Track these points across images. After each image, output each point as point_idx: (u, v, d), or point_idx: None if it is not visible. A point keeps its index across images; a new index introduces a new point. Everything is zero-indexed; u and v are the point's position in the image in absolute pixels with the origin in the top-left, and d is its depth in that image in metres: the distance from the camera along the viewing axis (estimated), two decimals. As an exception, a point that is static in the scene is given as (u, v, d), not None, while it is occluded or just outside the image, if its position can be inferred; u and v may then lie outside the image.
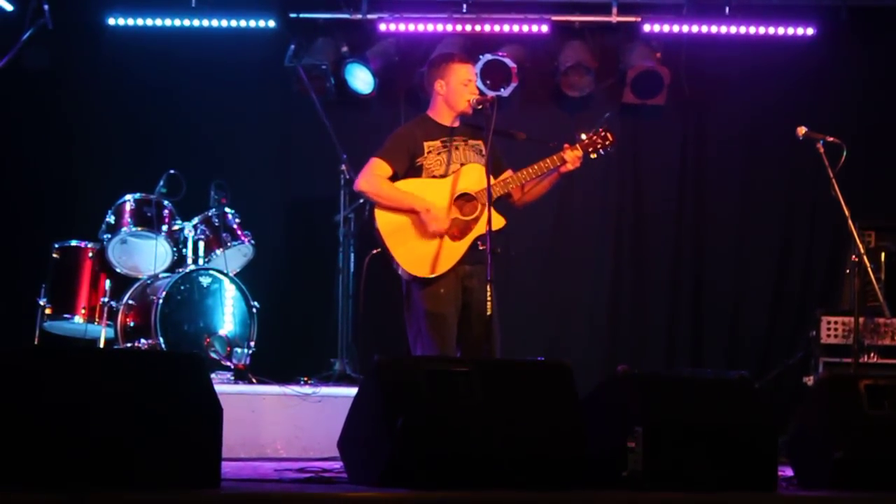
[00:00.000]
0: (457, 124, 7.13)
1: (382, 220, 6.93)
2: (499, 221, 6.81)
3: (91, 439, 4.58)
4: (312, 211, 9.66)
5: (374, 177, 6.98)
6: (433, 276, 6.86)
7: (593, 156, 7.04)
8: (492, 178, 6.79)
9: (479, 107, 6.93)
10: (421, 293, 6.91)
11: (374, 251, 7.14)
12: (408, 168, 7.00)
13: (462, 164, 7.01)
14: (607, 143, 7.04)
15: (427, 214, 6.85)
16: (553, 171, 6.99)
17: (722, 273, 10.05)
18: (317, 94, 9.05)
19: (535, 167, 6.94)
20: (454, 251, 6.89)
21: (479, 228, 6.86)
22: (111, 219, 8.55)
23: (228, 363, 8.17)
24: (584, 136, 7.03)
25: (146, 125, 9.76)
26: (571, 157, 6.95)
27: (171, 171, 8.60)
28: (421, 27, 9.84)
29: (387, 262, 6.95)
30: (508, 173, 6.99)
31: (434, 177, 6.98)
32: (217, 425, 4.92)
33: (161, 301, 8.13)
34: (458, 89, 7.04)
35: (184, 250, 8.58)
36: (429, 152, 7.01)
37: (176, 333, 8.20)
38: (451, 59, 7.20)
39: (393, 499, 4.67)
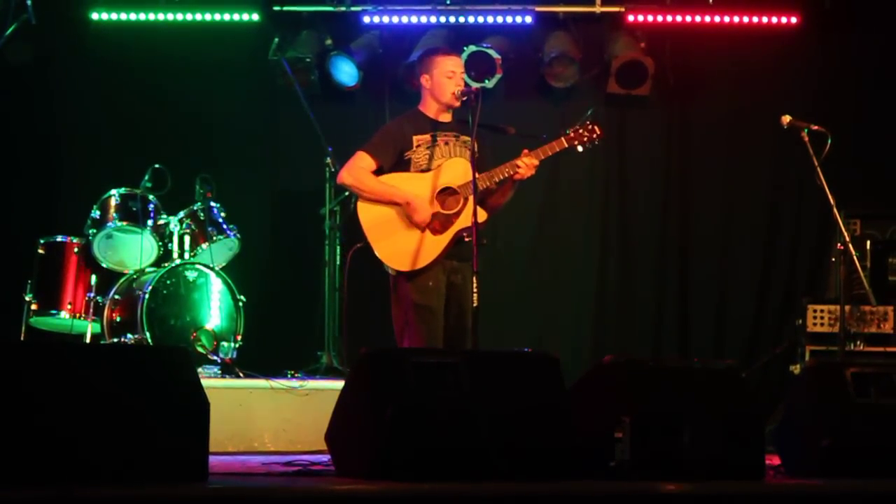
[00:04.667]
0: (448, 119, 7.15)
1: (365, 213, 6.99)
2: (481, 215, 6.78)
3: (78, 434, 4.57)
4: (298, 204, 9.64)
5: (357, 169, 7.04)
6: (414, 269, 6.88)
7: (580, 149, 7.05)
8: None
9: (464, 98, 6.94)
10: (409, 285, 6.95)
11: (358, 245, 7.16)
12: (395, 162, 7.05)
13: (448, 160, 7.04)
14: (594, 135, 7.04)
15: (408, 207, 6.90)
16: (508, 179, 6.99)
17: (708, 262, 10.06)
18: (301, 86, 9.06)
19: (494, 171, 6.95)
20: (435, 245, 6.91)
21: (461, 223, 6.91)
22: (96, 213, 8.53)
23: (215, 357, 8.16)
24: (569, 131, 7.03)
25: (131, 119, 9.73)
26: (524, 164, 6.94)
27: (156, 166, 8.58)
28: (405, 19, 9.83)
29: (372, 255, 6.97)
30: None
31: (420, 171, 7.00)
32: (204, 419, 4.92)
33: (147, 296, 8.12)
34: (442, 81, 7.06)
35: (169, 245, 8.56)
36: (417, 146, 7.05)
37: (162, 328, 8.18)
38: (435, 53, 7.26)
39: (381, 491, 4.67)
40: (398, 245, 6.91)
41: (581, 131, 7.02)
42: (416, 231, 6.91)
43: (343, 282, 8.54)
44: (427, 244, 6.91)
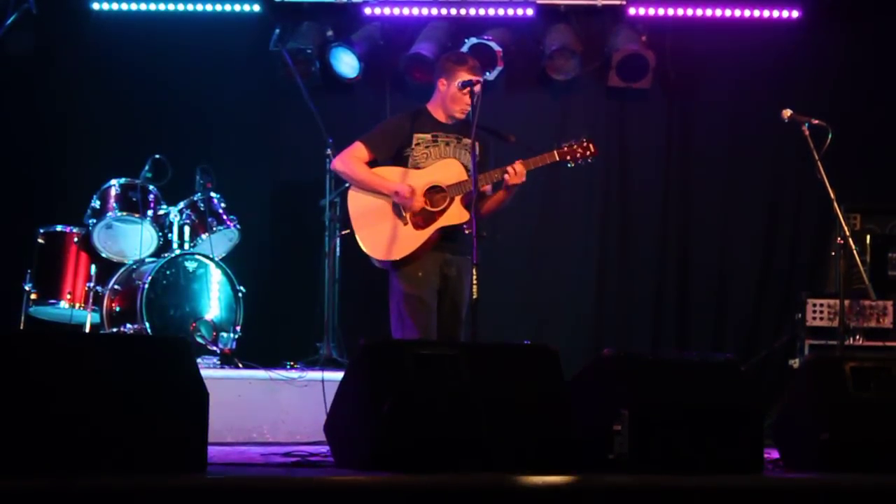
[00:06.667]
0: (451, 121, 7.16)
1: (353, 202, 7.11)
2: (463, 215, 6.86)
3: (77, 424, 4.57)
4: (298, 195, 9.63)
5: (349, 158, 7.13)
6: (390, 259, 6.93)
7: (571, 164, 7.10)
8: (468, 172, 6.87)
9: (466, 90, 6.96)
10: (400, 276, 7.02)
11: (344, 231, 7.23)
12: (391, 157, 7.10)
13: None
14: (588, 153, 7.09)
15: (396, 196, 6.96)
16: (500, 184, 7.01)
17: (708, 256, 10.05)
18: (302, 78, 9.05)
19: (487, 175, 6.98)
20: (415, 238, 6.96)
21: (444, 220, 6.99)
22: (96, 204, 8.53)
23: (214, 348, 8.17)
24: (564, 145, 7.07)
25: (131, 110, 9.73)
26: (513, 170, 6.96)
27: (157, 156, 8.58)
28: (406, 11, 9.83)
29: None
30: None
31: (417, 168, 7.02)
32: (203, 410, 4.92)
33: (147, 286, 8.12)
34: (457, 95, 7.07)
35: (169, 235, 8.57)
36: (417, 144, 7.08)
37: (162, 318, 8.19)
38: (462, 64, 7.19)
39: (379, 483, 4.66)
40: (379, 234, 6.99)
41: (575, 147, 7.08)
42: (399, 223, 6.98)
43: (332, 269, 8.58)
44: (407, 236, 6.97)
